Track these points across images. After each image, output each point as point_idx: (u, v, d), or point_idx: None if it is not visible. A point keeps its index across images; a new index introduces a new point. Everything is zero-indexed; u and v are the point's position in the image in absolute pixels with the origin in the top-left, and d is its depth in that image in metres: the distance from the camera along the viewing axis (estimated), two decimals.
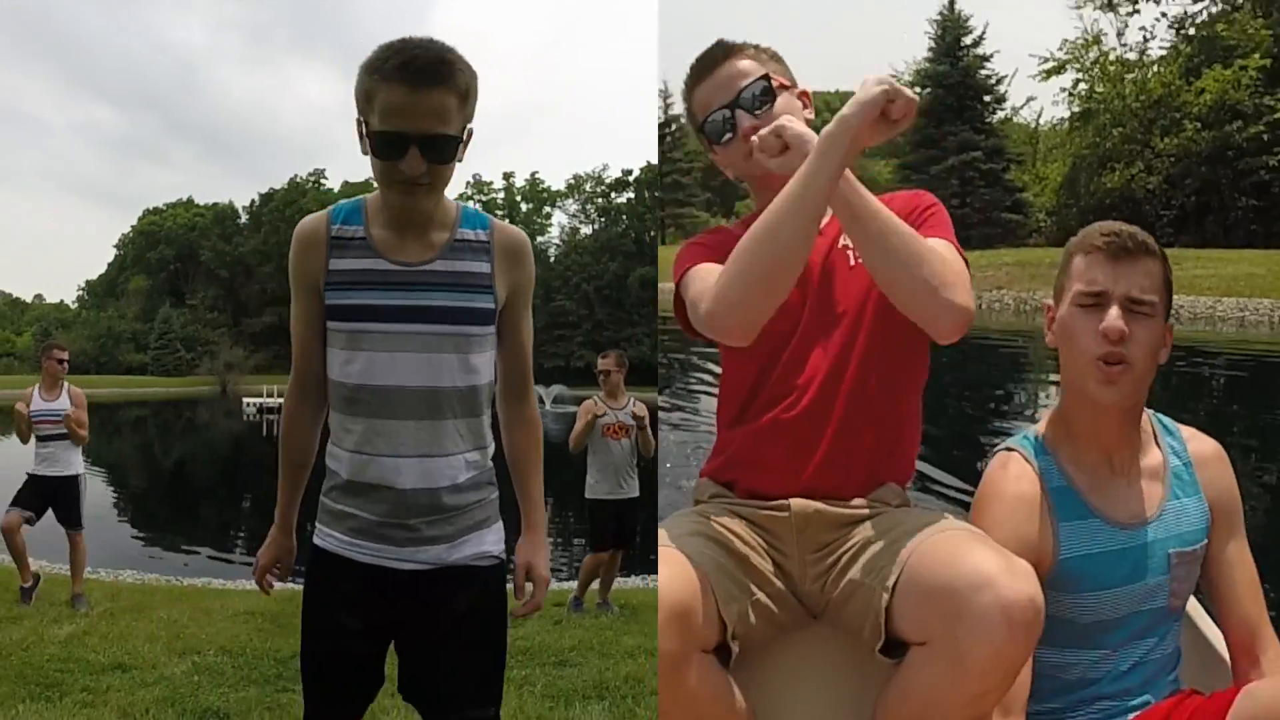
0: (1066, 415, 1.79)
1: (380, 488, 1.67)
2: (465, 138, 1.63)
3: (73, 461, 6.31)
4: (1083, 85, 41.77)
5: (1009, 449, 1.82)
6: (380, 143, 1.56)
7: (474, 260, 1.71)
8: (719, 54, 1.88)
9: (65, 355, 6.41)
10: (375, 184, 1.68)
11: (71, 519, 6.30)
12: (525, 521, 1.86)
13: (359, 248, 1.68)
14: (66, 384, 6.30)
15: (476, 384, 1.72)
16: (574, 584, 6.64)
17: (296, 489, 1.87)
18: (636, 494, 6.31)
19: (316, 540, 1.77)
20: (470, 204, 1.92)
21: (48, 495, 6.24)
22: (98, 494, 16.84)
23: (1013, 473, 1.76)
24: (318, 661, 1.81)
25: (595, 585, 6.41)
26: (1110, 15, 40.67)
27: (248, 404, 47.01)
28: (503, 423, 1.88)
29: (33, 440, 6.27)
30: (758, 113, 1.82)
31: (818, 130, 1.63)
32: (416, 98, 1.53)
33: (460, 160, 1.66)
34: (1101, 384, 1.64)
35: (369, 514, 1.68)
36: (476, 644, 1.75)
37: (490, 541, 1.77)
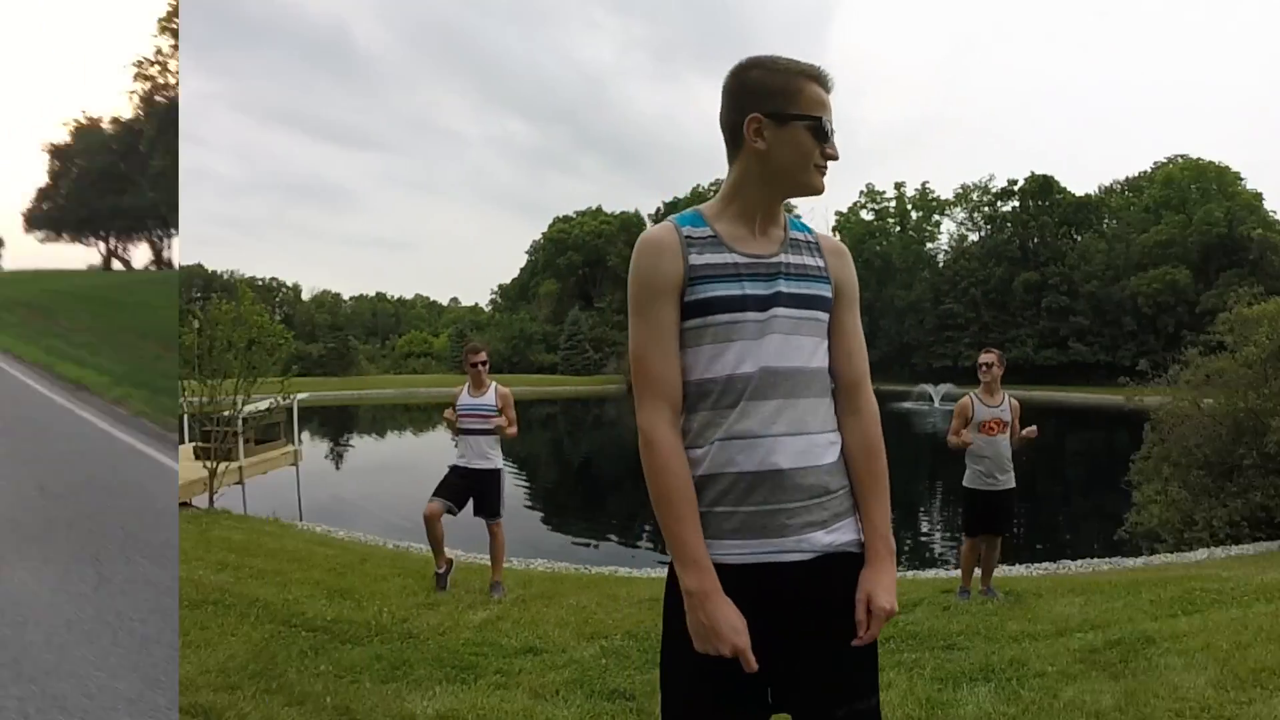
0: None
1: (755, 473, 1.68)
2: None
3: (494, 456, 6.67)
4: None
5: None
6: (818, 128, 1.74)
7: (809, 255, 1.83)
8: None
9: (479, 358, 6.79)
10: (785, 170, 1.76)
11: (492, 510, 6.67)
12: (869, 550, 1.77)
13: (713, 245, 1.77)
14: (494, 384, 6.70)
15: (826, 367, 1.81)
16: (960, 572, 7.05)
17: (698, 522, 1.70)
18: (1013, 485, 6.61)
19: None
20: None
21: (470, 487, 6.62)
22: (510, 487, 18.38)
23: None
24: (695, 692, 1.73)
25: (978, 573, 6.74)
26: None
27: None
28: (841, 423, 1.83)
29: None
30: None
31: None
32: (828, 100, 1.77)
33: None
34: None
35: (745, 506, 1.68)
36: (854, 633, 1.71)
37: (857, 529, 1.78)
